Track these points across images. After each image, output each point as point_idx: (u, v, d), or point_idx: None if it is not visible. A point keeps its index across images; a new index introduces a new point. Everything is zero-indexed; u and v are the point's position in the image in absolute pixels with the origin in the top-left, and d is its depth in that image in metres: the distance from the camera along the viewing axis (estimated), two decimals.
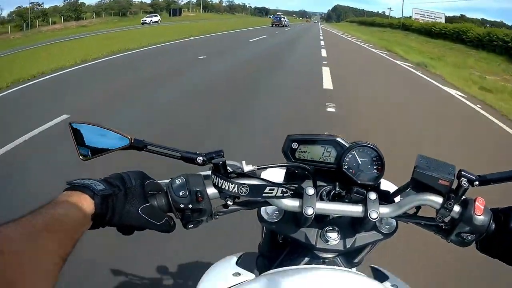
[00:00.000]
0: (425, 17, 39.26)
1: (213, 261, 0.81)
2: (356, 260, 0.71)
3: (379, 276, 0.75)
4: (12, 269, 0.35)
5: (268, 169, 0.66)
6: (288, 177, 0.68)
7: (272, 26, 39.99)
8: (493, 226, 0.58)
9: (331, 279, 0.56)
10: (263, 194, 0.57)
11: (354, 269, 0.68)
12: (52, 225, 0.42)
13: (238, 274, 0.69)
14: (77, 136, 0.58)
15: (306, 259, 0.67)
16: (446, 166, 0.59)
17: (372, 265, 0.80)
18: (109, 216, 0.51)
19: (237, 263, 0.75)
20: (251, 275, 0.68)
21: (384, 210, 0.60)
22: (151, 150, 0.58)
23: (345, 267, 0.67)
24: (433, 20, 36.87)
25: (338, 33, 35.31)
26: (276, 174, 0.70)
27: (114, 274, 1.87)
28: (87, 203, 0.48)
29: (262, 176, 0.66)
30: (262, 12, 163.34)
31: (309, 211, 0.57)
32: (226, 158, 0.58)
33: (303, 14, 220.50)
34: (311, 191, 0.59)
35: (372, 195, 0.59)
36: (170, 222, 0.57)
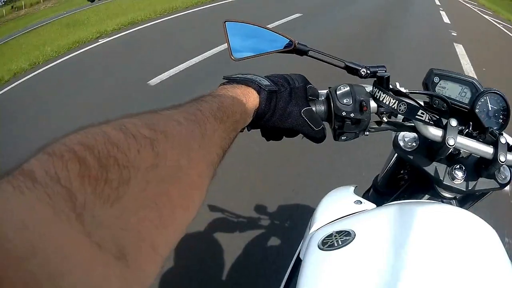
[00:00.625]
0: None
1: None
2: (465, 207, 0.71)
3: None
4: (180, 153, 0.29)
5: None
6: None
7: None
8: None
9: (457, 218, 0.57)
10: (417, 116, 0.58)
11: None
12: (220, 114, 0.38)
13: (359, 202, 0.70)
14: (233, 35, 0.56)
15: (427, 196, 0.68)
16: None
17: None
18: (269, 114, 0.49)
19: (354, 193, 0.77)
20: (372, 205, 0.69)
21: (511, 156, 0.60)
22: (314, 56, 0.57)
23: None
24: None
25: None
26: None
27: None
28: (253, 97, 0.46)
29: None
30: None
31: (451, 142, 0.58)
32: None
33: None
34: (454, 122, 0.59)
35: (503, 139, 0.60)
36: (324, 131, 0.56)
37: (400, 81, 0.60)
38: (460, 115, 0.64)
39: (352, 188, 0.77)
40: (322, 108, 0.56)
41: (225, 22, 0.56)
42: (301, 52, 0.56)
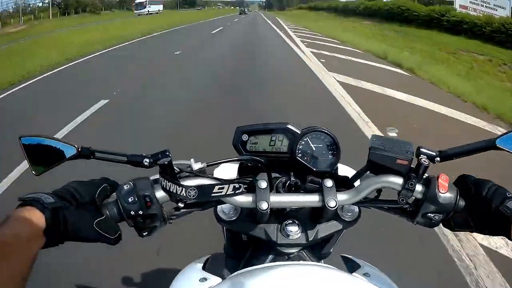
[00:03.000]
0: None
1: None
2: (324, 251, 0.69)
3: (350, 265, 0.72)
4: None
5: (221, 165, 0.64)
6: (242, 170, 0.65)
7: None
8: (461, 202, 0.55)
9: (297, 274, 0.54)
10: (213, 194, 0.55)
11: (322, 261, 0.66)
12: (3, 251, 0.41)
13: (204, 279, 0.66)
14: (29, 150, 0.57)
15: (271, 256, 0.64)
16: (403, 144, 0.57)
17: (343, 254, 0.78)
18: (62, 231, 0.50)
19: (204, 268, 0.72)
20: (218, 279, 0.66)
21: (343, 197, 0.57)
22: (98, 157, 0.58)
23: (312, 260, 0.65)
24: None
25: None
26: (230, 169, 0.68)
27: None
28: (37, 218, 0.47)
29: (215, 172, 0.65)
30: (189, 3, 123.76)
31: (263, 206, 0.55)
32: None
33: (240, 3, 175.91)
34: (263, 184, 0.57)
35: (328, 183, 0.57)
36: (120, 234, 0.56)
37: None
38: (284, 165, 0.62)
39: (200, 265, 0.72)
40: (114, 210, 0.55)
41: (20, 138, 0.57)
42: (86, 156, 0.57)
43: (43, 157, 0.57)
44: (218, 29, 19.85)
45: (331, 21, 25.40)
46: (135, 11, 54.34)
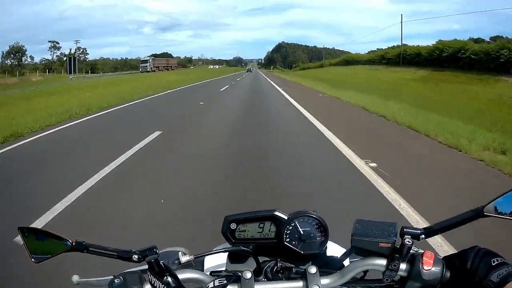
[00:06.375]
0: None
1: None
2: None
3: None
4: None
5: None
6: (232, 256, 0.68)
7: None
8: (448, 275, 0.56)
9: None
10: None
11: None
12: None
13: None
14: (28, 240, 0.63)
15: None
16: (386, 226, 0.59)
17: None
18: None
19: None
20: None
21: (327, 280, 0.58)
22: (92, 251, 0.62)
23: None
24: None
25: None
26: (220, 255, 0.69)
27: None
28: None
29: (206, 260, 0.69)
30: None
31: None
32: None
33: (237, 62, 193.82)
34: (248, 275, 0.58)
35: (312, 269, 0.58)
36: None
37: None
38: (273, 250, 0.63)
39: None
40: None
41: (19, 228, 0.62)
42: (80, 250, 0.62)
43: (42, 247, 0.62)
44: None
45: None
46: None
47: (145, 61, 70.04)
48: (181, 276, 0.58)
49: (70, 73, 51.89)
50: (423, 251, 0.58)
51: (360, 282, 0.61)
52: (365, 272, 0.61)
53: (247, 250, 0.61)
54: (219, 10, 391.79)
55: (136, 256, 0.60)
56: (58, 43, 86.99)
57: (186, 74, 48.04)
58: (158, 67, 70.85)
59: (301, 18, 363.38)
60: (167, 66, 76.30)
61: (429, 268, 0.55)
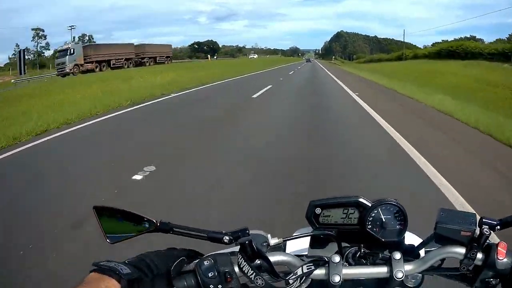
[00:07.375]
0: None
1: None
2: None
3: None
4: None
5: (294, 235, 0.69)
6: (314, 241, 0.69)
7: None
8: None
9: None
10: (288, 278, 0.58)
11: None
12: None
13: None
14: (103, 219, 0.61)
15: None
16: (467, 216, 0.61)
17: None
18: None
19: None
20: None
21: (409, 267, 0.61)
22: (177, 232, 0.61)
23: None
24: None
25: None
26: (302, 239, 0.70)
27: None
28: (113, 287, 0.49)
29: (289, 244, 0.73)
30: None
31: (336, 279, 0.59)
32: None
33: (294, 52, 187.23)
34: (337, 258, 0.60)
35: (397, 255, 0.60)
36: None
37: None
38: (355, 236, 0.64)
39: None
40: (192, 281, 0.58)
41: (94, 208, 0.61)
42: (164, 230, 0.61)
43: (119, 227, 0.61)
44: None
45: None
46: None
47: (63, 53, 34.79)
48: (272, 258, 0.59)
49: (21, 73, 32.38)
50: (498, 242, 0.59)
51: (437, 270, 0.64)
52: (442, 260, 0.63)
53: (332, 234, 0.62)
54: (274, 0, 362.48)
55: (227, 238, 0.59)
56: (43, 31, 66.06)
57: (194, 71, 26.47)
58: (103, 61, 37.07)
59: (356, 9, 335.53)
60: (144, 58, 43.42)
61: (503, 258, 0.57)
